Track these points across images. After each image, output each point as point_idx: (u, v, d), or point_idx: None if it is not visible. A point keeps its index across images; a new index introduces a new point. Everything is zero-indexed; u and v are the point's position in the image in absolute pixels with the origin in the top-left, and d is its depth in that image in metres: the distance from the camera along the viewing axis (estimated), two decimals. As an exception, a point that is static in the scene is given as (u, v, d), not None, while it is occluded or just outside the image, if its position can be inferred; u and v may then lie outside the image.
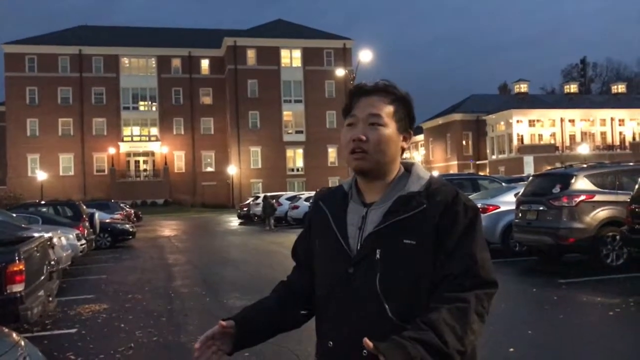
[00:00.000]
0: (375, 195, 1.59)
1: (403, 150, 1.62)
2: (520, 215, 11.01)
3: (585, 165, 11.39)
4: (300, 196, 29.30)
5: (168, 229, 30.68)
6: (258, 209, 33.53)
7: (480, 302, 1.44)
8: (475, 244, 1.48)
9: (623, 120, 62.64)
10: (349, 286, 1.52)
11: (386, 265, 1.48)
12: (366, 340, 1.29)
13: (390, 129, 1.56)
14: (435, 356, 1.32)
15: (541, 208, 10.40)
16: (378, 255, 1.49)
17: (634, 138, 62.68)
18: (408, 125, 1.61)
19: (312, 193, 27.80)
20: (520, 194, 11.50)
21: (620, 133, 62.71)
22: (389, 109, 1.57)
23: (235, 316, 1.65)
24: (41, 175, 54.23)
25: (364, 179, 1.61)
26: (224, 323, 1.60)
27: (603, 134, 62.25)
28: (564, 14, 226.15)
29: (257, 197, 36.74)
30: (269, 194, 32.40)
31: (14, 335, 3.55)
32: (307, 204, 26.19)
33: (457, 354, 1.36)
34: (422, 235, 1.48)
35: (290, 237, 20.84)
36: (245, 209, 36.76)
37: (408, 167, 1.63)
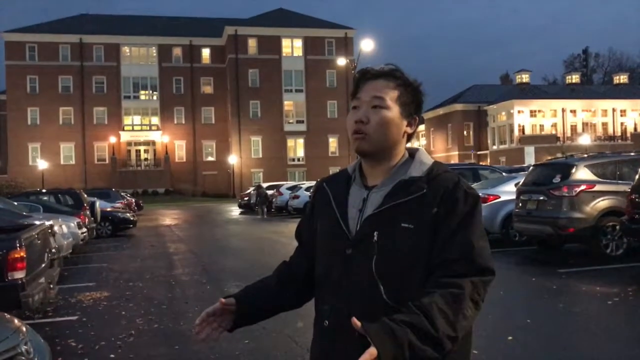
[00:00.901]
0: (377, 178, 1.60)
1: (409, 136, 1.63)
2: (520, 205, 11.02)
3: (585, 155, 11.37)
4: (301, 186, 29.32)
5: (169, 218, 30.74)
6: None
7: (475, 289, 1.43)
8: (473, 231, 1.48)
9: (625, 111, 62.48)
10: (346, 267, 1.54)
11: (383, 248, 1.49)
12: (354, 320, 1.29)
13: (392, 112, 1.56)
14: (424, 340, 1.32)
15: (541, 198, 10.40)
16: (376, 238, 1.50)
17: (635, 129, 62.55)
18: (413, 110, 1.61)
19: (313, 183, 27.83)
20: (520, 183, 11.51)
21: (622, 124, 62.57)
22: (394, 93, 1.57)
23: (236, 294, 1.68)
24: (42, 164, 54.29)
25: (366, 161, 1.63)
26: (224, 301, 1.63)
27: (604, 124, 62.10)
28: (567, 5, 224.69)
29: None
30: (264, 184, 32.51)
31: (16, 321, 3.58)
32: (308, 193, 26.21)
33: (448, 339, 1.36)
34: (420, 220, 1.48)
35: (290, 227, 20.88)
36: (245, 199, 36.78)
37: (412, 153, 1.63)
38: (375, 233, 1.50)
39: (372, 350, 1.25)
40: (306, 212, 1.81)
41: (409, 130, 1.61)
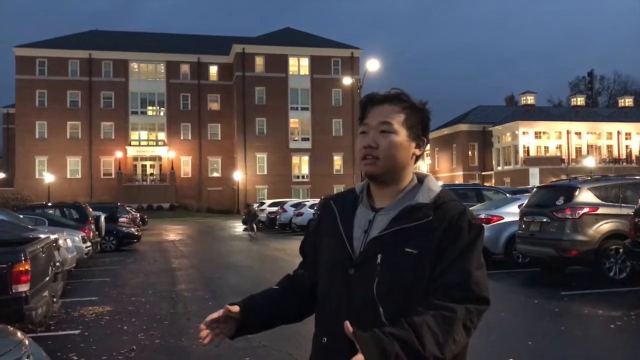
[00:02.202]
0: (385, 201, 1.63)
1: (417, 157, 1.66)
2: (523, 226, 11.01)
3: (589, 178, 11.38)
4: (305, 203, 29.33)
5: (173, 233, 30.75)
6: (262, 215, 33.67)
7: (469, 316, 1.46)
8: (472, 261, 1.51)
9: (630, 134, 62.47)
10: (347, 287, 1.57)
11: (385, 271, 1.52)
12: (347, 324, 1.33)
13: (400, 136, 1.60)
14: (410, 356, 1.35)
15: (544, 220, 10.40)
16: (379, 260, 1.53)
17: (640, 152, 62.44)
18: (421, 132, 1.64)
19: (317, 200, 27.84)
20: (524, 205, 11.51)
21: (627, 147, 62.54)
22: (400, 116, 1.61)
23: (240, 302, 1.71)
24: (48, 178, 54.52)
25: (375, 184, 1.66)
26: (230, 308, 1.66)
27: (609, 147, 62.07)
28: (574, 29, 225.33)
29: (263, 203, 36.85)
30: (268, 201, 32.45)
31: (19, 333, 3.61)
32: (312, 211, 26.21)
33: None
34: (424, 246, 1.51)
35: (293, 244, 20.86)
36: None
37: (421, 179, 1.66)
38: (379, 256, 1.53)
39: (359, 357, 1.29)
40: (311, 228, 1.85)
41: (418, 152, 1.65)
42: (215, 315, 1.65)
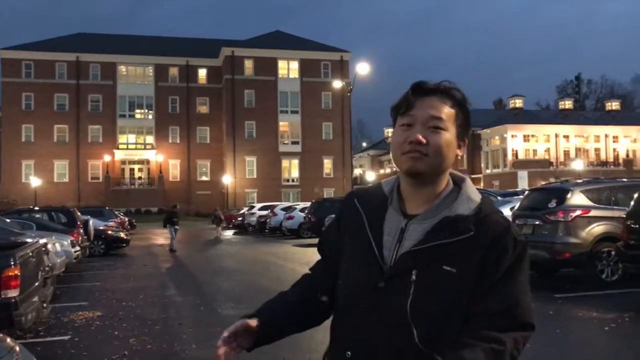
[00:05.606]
0: (419, 205, 1.47)
1: (456, 157, 1.52)
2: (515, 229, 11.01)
3: (581, 181, 11.43)
4: (295, 207, 29.28)
5: (162, 237, 30.52)
6: (253, 219, 33.56)
7: (516, 345, 1.35)
8: (519, 283, 1.38)
9: (617, 137, 63.13)
10: (376, 300, 1.42)
11: (421, 289, 1.37)
12: None
13: (450, 133, 1.45)
14: None
15: (537, 222, 10.41)
16: (414, 277, 1.38)
17: (627, 155, 63.14)
18: (466, 132, 1.51)
19: (307, 204, 27.78)
20: (516, 208, 11.53)
21: (614, 150, 63.19)
22: (451, 112, 1.45)
23: (257, 312, 1.55)
24: (35, 181, 54.01)
25: (411, 183, 1.48)
26: (249, 322, 1.50)
27: (597, 150, 62.69)
28: (567, 36, 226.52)
29: (252, 207, 36.74)
30: (258, 204, 32.34)
31: (9, 340, 3.52)
32: (302, 214, 26.18)
33: None
34: (464, 265, 1.36)
35: (283, 248, 20.81)
36: (239, 219, 36.71)
37: (457, 181, 1.52)
38: (414, 272, 1.38)
39: None
40: (330, 226, 1.67)
41: (459, 152, 1.51)
42: (232, 328, 1.47)
